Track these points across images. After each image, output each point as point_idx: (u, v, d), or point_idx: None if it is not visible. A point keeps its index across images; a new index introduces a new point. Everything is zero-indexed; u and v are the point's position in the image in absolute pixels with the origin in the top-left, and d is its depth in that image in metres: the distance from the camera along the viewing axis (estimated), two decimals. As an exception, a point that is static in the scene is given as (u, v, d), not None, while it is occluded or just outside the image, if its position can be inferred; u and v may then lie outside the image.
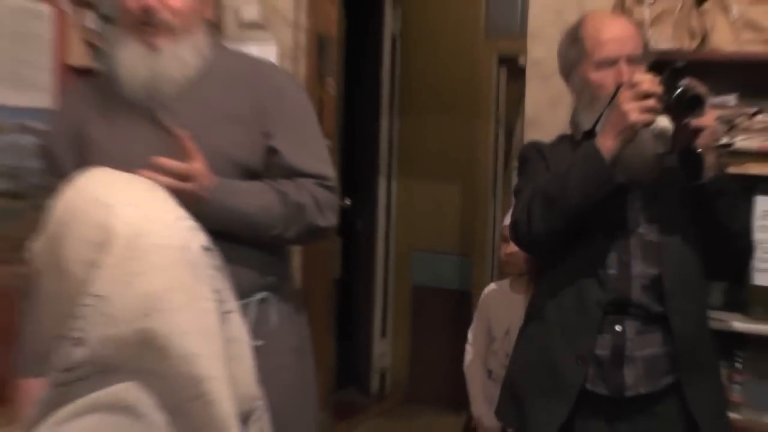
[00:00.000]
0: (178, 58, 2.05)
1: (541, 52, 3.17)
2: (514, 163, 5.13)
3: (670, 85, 1.92)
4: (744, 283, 2.66)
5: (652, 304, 2.05)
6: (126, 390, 1.02)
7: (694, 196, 2.01)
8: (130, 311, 1.02)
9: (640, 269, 2.06)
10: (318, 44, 3.75)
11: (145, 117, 2.07)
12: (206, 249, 1.12)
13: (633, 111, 1.91)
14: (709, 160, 1.95)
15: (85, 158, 2.06)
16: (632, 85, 1.94)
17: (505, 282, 3.09)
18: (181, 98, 2.06)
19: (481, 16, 5.27)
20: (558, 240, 2.10)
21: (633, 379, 2.05)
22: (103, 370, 1.03)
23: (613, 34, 2.13)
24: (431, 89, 5.43)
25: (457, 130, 5.33)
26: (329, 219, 2.12)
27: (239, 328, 1.12)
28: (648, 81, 1.94)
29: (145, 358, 1.02)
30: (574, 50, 2.20)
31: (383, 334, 5.61)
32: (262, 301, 2.10)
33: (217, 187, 1.94)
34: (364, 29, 5.29)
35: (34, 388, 2.09)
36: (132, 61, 2.04)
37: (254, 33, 3.66)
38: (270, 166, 2.11)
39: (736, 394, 2.62)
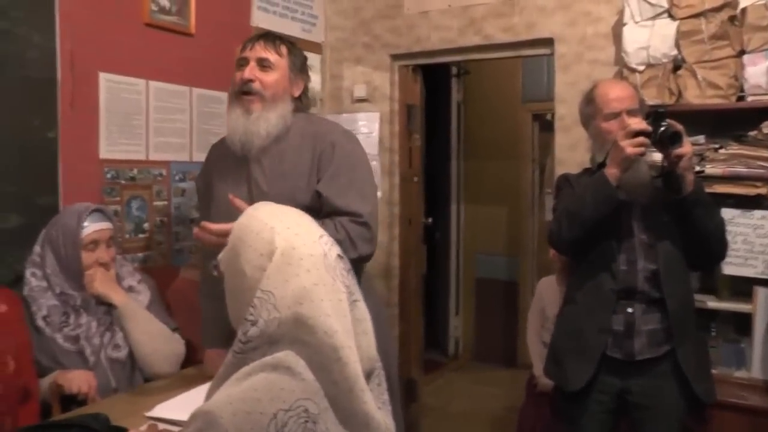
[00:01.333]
0: (265, 120, 1.99)
1: (564, 111, 3.14)
2: (547, 190, 5.10)
3: (655, 125, 1.90)
4: (715, 272, 2.62)
5: (652, 291, 2.01)
6: (285, 355, 1.02)
7: (677, 207, 1.96)
8: (288, 301, 1.03)
9: (643, 265, 2.03)
10: (407, 110, 3.75)
11: (242, 170, 2.05)
12: (340, 257, 1.11)
13: (627, 146, 1.90)
14: (688, 179, 1.92)
15: (211, 197, 2.11)
16: (625, 127, 1.94)
17: (553, 277, 3.03)
18: (269, 153, 2.02)
19: (519, 88, 5.22)
20: (580, 244, 2.08)
21: (640, 347, 2.02)
22: (269, 342, 1.04)
23: (616, 94, 2.10)
24: (485, 140, 5.38)
25: (505, 168, 5.28)
26: (361, 250, 1.93)
27: (363, 311, 1.11)
28: (636, 122, 1.93)
29: (299, 333, 1.02)
30: (589, 108, 2.17)
31: (456, 312, 5.56)
32: None
33: None
34: (438, 99, 5.28)
35: (214, 356, 2.15)
36: (233, 121, 2.01)
37: (363, 105, 3.70)
38: (321, 206, 1.97)
39: (711, 355, 2.53)
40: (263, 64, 2.00)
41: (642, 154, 1.94)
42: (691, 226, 1.97)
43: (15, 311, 1.32)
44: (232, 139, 2.01)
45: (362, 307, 1.11)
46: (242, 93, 1.99)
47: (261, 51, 2.01)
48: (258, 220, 1.11)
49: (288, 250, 1.06)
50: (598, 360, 2.04)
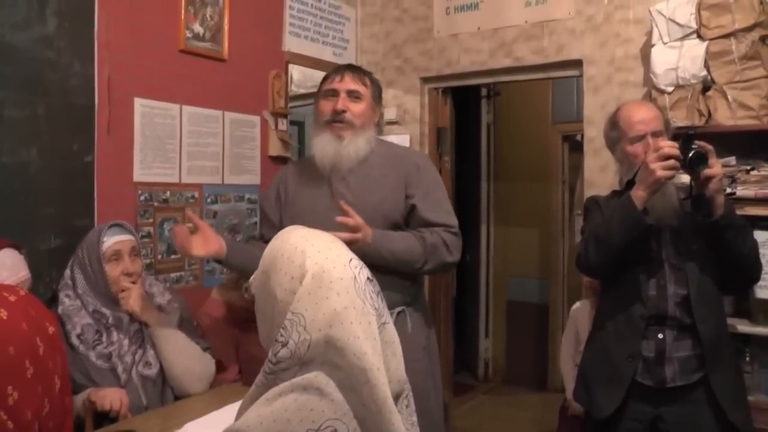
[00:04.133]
0: (355, 145, 2.14)
1: (593, 132, 3.14)
2: (577, 212, 5.06)
3: (685, 147, 1.87)
4: (749, 296, 2.56)
5: (684, 316, 1.97)
6: (315, 377, 1.03)
7: (708, 231, 1.93)
8: (318, 323, 1.04)
9: (673, 290, 1.99)
10: (437, 133, 3.78)
11: (324, 186, 2.17)
12: (369, 280, 1.13)
13: (657, 169, 1.87)
14: (719, 201, 1.89)
15: (284, 213, 2.21)
16: (656, 149, 1.90)
17: (587, 301, 3.00)
18: (354, 172, 2.16)
19: (549, 109, 5.21)
20: (607, 268, 2.06)
21: (672, 374, 1.97)
22: (299, 363, 1.05)
23: (641, 117, 2.08)
24: (515, 161, 5.37)
25: (535, 190, 5.25)
26: (455, 256, 2.15)
27: (393, 334, 1.12)
28: (668, 146, 1.89)
29: (329, 355, 1.04)
30: (614, 132, 2.15)
31: (486, 335, 5.51)
32: (400, 313, 2.13)
33: (376, 236, 2.01)
34: (468, 120, 5.29)
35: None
36: (325, 146, 2.15)
37: (394, 128, 3.75)
38: (410, 220, 2.16)
39: (746, 381, 2.47)
40: (353, 96, 2.17)
41: (671, 177, 1.91)
42: (724, 249, 1.93)
43: (59, 332, 1.37)
44: (323, 161, 2.16)
45: (391, 330, 1.13)
46: (334, 121, 2.15)
47: (351, 83, 2.18)
48: (289, 244, 1.13)
49: (319, 274, 1.07)
50: (628, 386, 2.00)
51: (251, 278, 1.20)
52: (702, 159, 1.86)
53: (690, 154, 1.86)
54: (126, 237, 2.23)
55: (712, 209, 1.90)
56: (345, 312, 1.05)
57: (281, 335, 1.06)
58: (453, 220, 2.18)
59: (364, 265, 1.15)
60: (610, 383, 2.04)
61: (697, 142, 1.89)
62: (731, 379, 2.02)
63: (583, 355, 2.25)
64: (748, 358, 2.57)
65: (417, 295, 2.25)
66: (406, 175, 2.17)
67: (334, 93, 2.17)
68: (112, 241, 2.19)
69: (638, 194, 1.92)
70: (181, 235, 2.06)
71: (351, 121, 2.15)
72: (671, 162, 1.87)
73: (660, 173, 1.87)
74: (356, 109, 2.16)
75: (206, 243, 2.09)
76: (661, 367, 1.98)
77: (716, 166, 1.88)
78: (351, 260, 1.12)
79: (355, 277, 1.09)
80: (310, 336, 1.04)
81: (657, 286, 2.00)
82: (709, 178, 1.87)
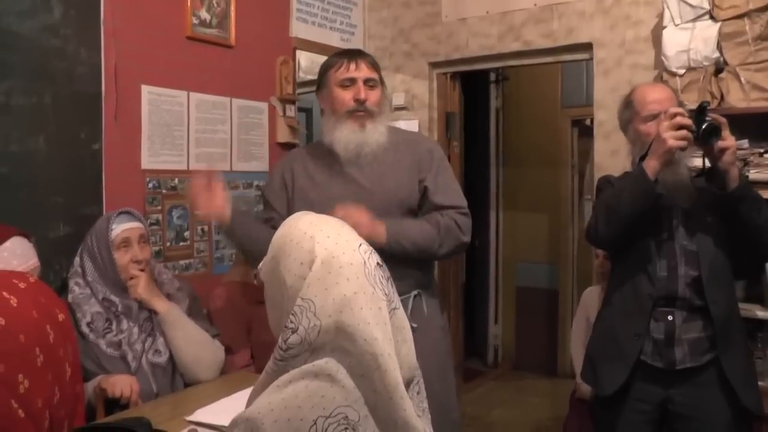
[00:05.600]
0: (377, 132, 2.15)
1: (603, 116, 3.11)
2: (586, 197, 5.04)
3: (699, 119, 1.86)
4: (761, 281, 2.56)
5: (694, 297, 1.96)
6: (326, 363, 1.03)
7: (724, 203, 1.91)
8: (328, 309, 1.03)
9: (684, 271, 1.98)
10: (446, 118, 3.76)
11: (338, 174, 2.17)
12: (379, 265, 1.12)
13: (670, 138, 1.85)
14: (733, 174, 1.87)
15: (294, 201, 2.19)
16: (670, 117, 1.88)
17: (598, 286, 2.99)
18: (368, 158, 2.16)
19: (558, 93, 5.18)
20: (617, 240, 2.05)
21: (681, 356, 1.97)
22: (309, 349, 1.04)
23: (654, 96, 2.06)
24: (524, 146, 5.35)
25: (544, 174, 5.23)
26: (467, 236, 2.16)
27: (403, 319, 1.11)
28: (681, 114, 1.88)
29: (339, 341, 1.03)
30: (628, 111, 2.14)
31: (496, 320, 5.52)
32: (416, 296, 2.15)
33: (390, 231, 2.03)
34: (477, 105, 5.27)
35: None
36: (348, 135, 2.13)
37: (403, 113, 3.73)
38: (423, 203, 2.17)
39: (757, 366, 2.45)
40: (369, 83, 2.16)
41: (684, 148, 1.89)
42: (740, 222, 1.91)
43: (69, 319, 1.37)
44: (347, 149, 2.14)
45: (402, 315, 1.12)
46: (356, 111, 2.14)
47: (367, 71, 2.17)
48: (298, 229, 1.13)
49: (328, 259, 1.07)
50: (633, 365, 2.01)
51: (260, 264, 1.20)
52: (716, 131, 1.85)
53: (703, 126, 1.85)
54: (135, 224, 2.23)
55: (726, 182, 1.88)
56: (355, 297, 1.04)
57: (291, 321, 1.05)
58: (462, 201, 2.19)
59: (373, 250, 1.14)
60: (616, 361, 2.05)
61: (710, 114, 1.88)
62: (742, 361, 2.01)
63: (591, 333, 2.25)
64: (760, 345, 2.56)
65: (430, 282, 2.27)
66: (420, 160, 2.18)
67: (353, 81, 2.15)
68: (120, 228, 2.19)
69: (650, 164, 1.91)
70: (195, 189, 2.08)
71: (372, 109, 2.15)
72: (683, 132, 1.85)
73: (671, 142, 1.85)
74: (374, 97, 2.16)
75: (210, 203, 2.07)
76: (670, 348, 1.97)
77: (730, 139, 1.87)
78: (360, 245, 1.11)
79: (365, 262, 1.08)
80: (320, 322, 1.03)
81: (668, 267, 2.00)
82: (723, 151, 1.86)
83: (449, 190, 2.19)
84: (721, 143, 1.85)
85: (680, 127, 1.86)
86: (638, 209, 1.93)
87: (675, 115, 1.87)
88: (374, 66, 2.21)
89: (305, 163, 2.25)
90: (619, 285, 2.10)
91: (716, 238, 1.98)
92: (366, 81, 2.16)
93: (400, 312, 1.12)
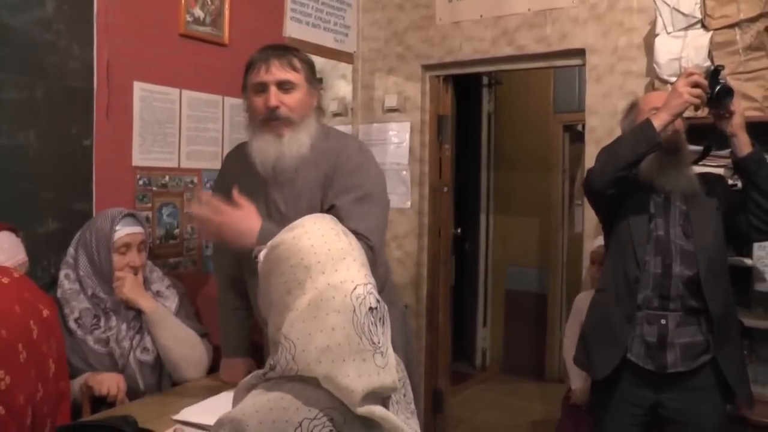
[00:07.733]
0: (297, 141, 1.94)
1: (595, 122, 3.12)
2: (577, 202, 5.05)
3: (713, 81, 1.95)
4: (749, 289, 2.57)
5: (689, 298, 1.99)
6: (299, 388, 1.05)
7: (740, 168, 2.00)
8: (309, 357, 1.03)
9: (679, 270, 2.01)
10: (438, 121, 3.75)
11: (260, 192, 1.99)
12: (372, 309, 1.07)
13: (686, 93, 1.92)
14: (743, 138, 1.97)
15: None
16: (688, 75, 1.95)
17: (591, 291, 2.97)
18: (289, 175, 1.97)
19: (550, 98, 5.19)
20: (608, 185, 2.02)
21: (673, 360, 1.99)
22: (286, 379, 1.06)
23: (659, 98, 2.10)
24: (516, 150, 5.36)
25: (535, 179, 5.24)
26: None
27: (390, 357, 1.08)
28: (699, 75, 1.95)
29: (314, 380, 1.04)
30: (631, 114, 2.19)
31: (484, 324, 5.52)
32: None
33: (263, 226, 1.81)
34: (469, 109, 5.27)
35: (231, 364, 2.23)
36: (265, 147, 1.95)
37: (394, 115, 3.72)
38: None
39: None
40: (284, 87, 1.93)
41: (698, 107, 1.97)
42: (757, 187, 1.97)
43: (55, 315, 1.35)
44: (264, 165, 1.96)
45: (390, 353, 1.09)
46: (269, 119, 1.93)
47: (279, 72, 1.93)
48: (298, 250, 1.10)
49: (316, 302, 1.05)
50: (625, 347, 2.03)
51: (261, 253, 1.17)
52: (729, 92, 1.94)
53: (717, 87, 1.94)
54: (137, 229, 2.22)
55: (738, 147, 1.97)
56: (338, 349, 1.02)
57: (271, 358, 1.07)
58: (363, 226, 1.83)
59: (371, 290, 1.09)
60: (608, 344, 2.08)
61: (724, 77, 1.97)
62: (738, 358, 2.06)
63: (585, 318, 2.27)
64: (746, 351, 2.55)
65: (383, 286, 1.97)
66: (329, 175, 1.94)
67: (264, 87, 1.93)
68: (124, 232, 2.17)
69: (660, 115, 1.96)
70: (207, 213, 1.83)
71: (287, 116, 1.92)
72: (698, 90, 1.93)
73: (687, 97, 1.92)
74: (290, 101, 1.93)
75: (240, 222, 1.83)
76: (662, 352, 2.00)
77: (739, 104, 1.97)
78: (355, 288, 1.07)
79: (354, 310, 1.05)
80: (297, 367, 1.03)
81: (662, 264, 2.02)
82: (732, 113, 1.95)
83: (354, 210, 1.88)
84: (732, 105, 1.95)
85: (695, 85, 1.93)
86: (637, 155, 1.97)
87: (692, 74, 1.95)
88: (293, 66, 1.95)
89: (237, 171, 2.08)
90: (612, 273, 2.14)
91: (714, 238, 2.02)
92: (280, 84, 1.93)
93: (389, 350, 1.08)
